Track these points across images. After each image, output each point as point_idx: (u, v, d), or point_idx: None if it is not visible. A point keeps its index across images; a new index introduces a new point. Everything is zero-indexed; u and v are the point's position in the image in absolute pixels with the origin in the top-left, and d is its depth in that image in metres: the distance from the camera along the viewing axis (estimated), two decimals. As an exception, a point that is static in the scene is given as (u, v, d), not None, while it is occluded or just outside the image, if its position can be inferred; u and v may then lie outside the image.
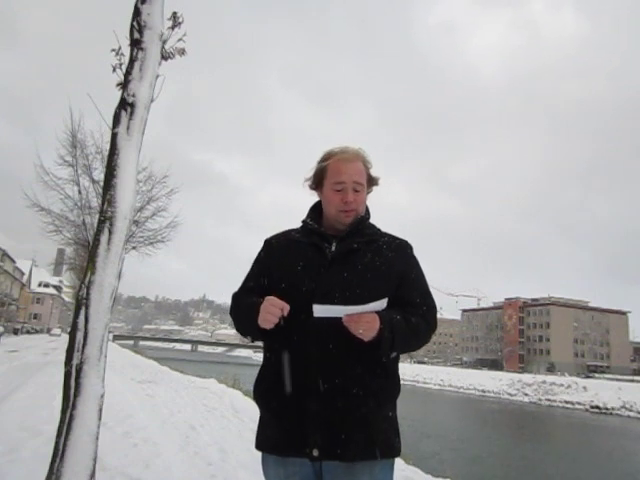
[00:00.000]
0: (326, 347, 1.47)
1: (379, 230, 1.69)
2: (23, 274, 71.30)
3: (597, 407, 41.87)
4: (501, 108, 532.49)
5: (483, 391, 53.02)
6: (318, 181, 1.68)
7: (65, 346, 2.37)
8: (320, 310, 1.41)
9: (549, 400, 46.57)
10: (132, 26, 2.53)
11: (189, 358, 61.59)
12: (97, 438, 2.19)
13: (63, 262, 25.33)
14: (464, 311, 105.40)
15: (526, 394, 49.62)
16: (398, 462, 3.60)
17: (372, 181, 1.69)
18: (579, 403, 43.86)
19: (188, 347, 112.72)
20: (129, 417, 6.13)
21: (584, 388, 46.91)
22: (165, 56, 2.69)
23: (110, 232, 2.34)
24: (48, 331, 67.61)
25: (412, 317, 1.51)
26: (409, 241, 1.70)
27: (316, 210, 1.71)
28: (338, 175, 1.61)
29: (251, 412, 7.46)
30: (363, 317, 1.40)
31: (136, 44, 2.53)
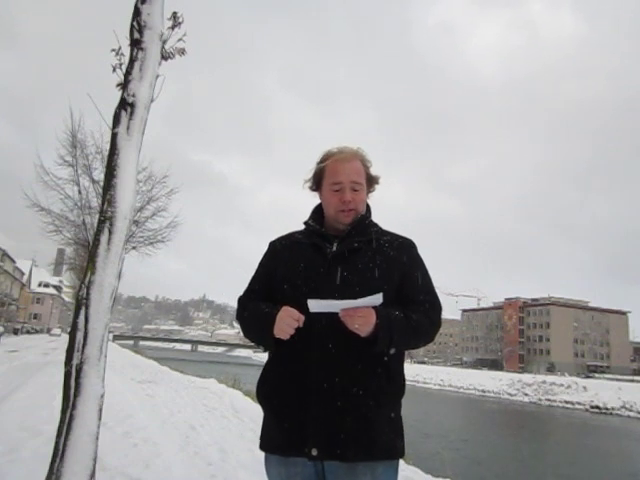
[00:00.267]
0: (326, 347, 1.47)
1: (381, 229, 1.68)
2: (23, 274, 71.26)
3: (597, 407, 41.84)
4: (501, 108, 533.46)
5: (483, 391, 52.99)
6: (317, 182, 1.68)
7: (65, 346, 2.37)
8: (315, 305, 1.41)
9: (549, 400, 46.54)
10: (132, 26, 2.53)
11: (189, 358, 61.57)
12: (97, 438, 2.19)
13: (63, 262, 25.37)
14: (464, 311, 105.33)
15: (526, 394, 49.58)
16: (398, 462, 3.59)
17: (372, 180, 1.68)
18: (579, 403, 43.83)
19: (188, 347, 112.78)
20: (129, 417, 6.12)
21: (584, 388, 46.87)
22: (165, 56, 2.69)
23: (110, 232, 2.34)
24: (48, 331, 67.59)
25: (413, 314, 1.50)
26: (412, 239, 1.69)
27: (318, 211, 1.71)
28: (335, 175, 1.61)
29: (251, 412, 7.46)
30: (358, 311, 1.40)
31: (136, 44, 2.52)
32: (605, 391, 44.54)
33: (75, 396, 2.18)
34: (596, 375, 66.97)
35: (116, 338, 79.51)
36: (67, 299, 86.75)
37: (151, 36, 2.53)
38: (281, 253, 1.66)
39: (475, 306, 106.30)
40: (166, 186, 14.97)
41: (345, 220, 1.62)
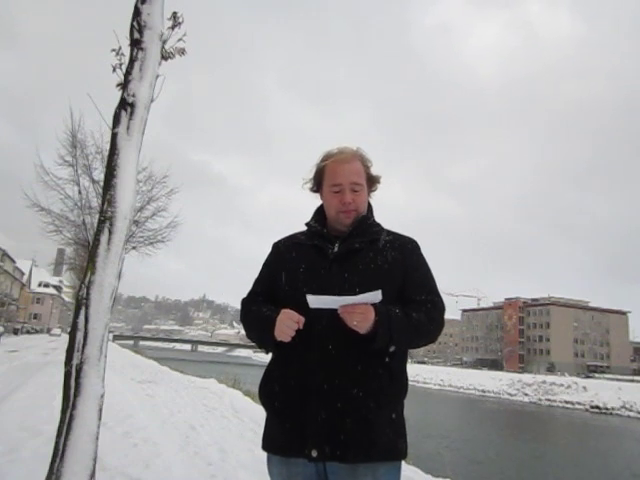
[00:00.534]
0: (326, 348, 1.46)
1: (383, 229, 1.67)
2: (23, 274, 71.25)
3: (597, 407, 41.86)
4: (501, 108, 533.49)
5: (483, 391, 53.00)
6: (318, 184, 1.68)
7: (65, 346, 2.37)
8: (314, 301, 1.41)
9: (549, 400, 46.55)
10: (132, 26, 2.53)
11: (189, 358, 61.59)
12: (97, 438, 2.19)
13: (63, 262, 25.37)
14: (464, 311, 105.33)
15: (526, 394, 49.60)
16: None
17: (373, 180, 1.67)
18: (579, 403, 43.85)
19: (188, 347, 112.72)
20: (129, 417, 6.13)
21: (584, 388, 46.89)
22: (165, 56, 2.69)
23: (110, 232, 2.34)
24: (48, 331, 67.59)
25: (414, 313, 1.49)
26: (415, 239, 1.68)
27: (320, 212, 1.71)
28: (335, 177, 1.61)
29: (251, 412, 7.46)
30: (357, 308, 1.39)
31: (136, 44, 2.52)
32: (605, 391, 44.56)
33: (75, 396, 2.18)
34: (596, 375, 66.99)
35: (116, 338, 79.50)
36: (67, 299, 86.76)
37: (151, 36, 2.53)
38: (283, 254, 1.66)
39: (475, 306, 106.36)
40: (166, 186, 15.01)
41: (346, 221, 1.61)
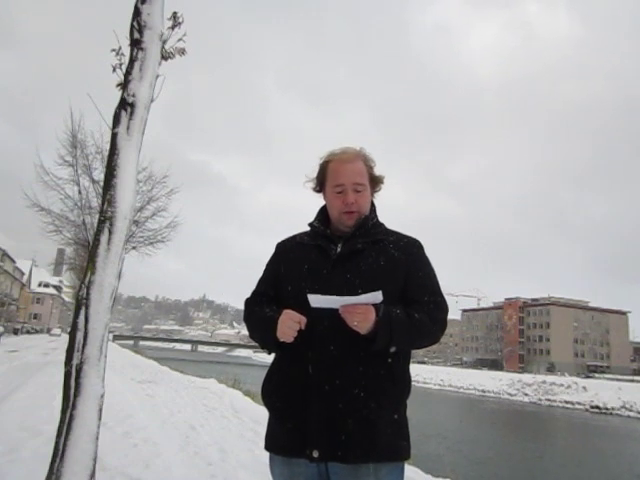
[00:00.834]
0: (327, 348, 1.46)
1: (386, 229, 1.67)
2: (23, 274, 71.26)
3: (597, 407, 41.83)
4: (500, 108, 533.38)
5: (483, 391, 52.98)
6: (320, 184, 1.68)
7: (65, 346, 2.37)
8: (315, 300, 1.41)
9: (549, 400, 46.54)
10: (132, 26, 2.53)
11: (189, 358, 61.58)
12: (97, 438, 2.19)
13: (63, 262, 25.36)
14: (464, 311, 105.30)
15: (526, 394, 49.58)
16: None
17: (376, 180, 1.67)
18: (579, 403, 43.83)
19: (188, 347, 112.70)
20: (129, 417, 6.13)
21: (584, 388, 46.87)
22: (165, 56, 2.69)
23: (110, 232, 2.34)
24: (48, 331, 67.58)
25: (416, 313, 1.48)
26: (418, 239, 1.67)
27: (323, 212, 1.70)
28: (337, 177, 1.61)
29: (251, 412, 7.46)
30: (357, 308, 1.39)
31: (136, 44, 2.52)
32: (605, 391, 44.54)
33: (75, 396, 2.18)
34: (596, 375, 66.95)
35: (116, 338, 79.48)
36: (67, 299, 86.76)
37: (151, 36, 2.53)
38: (286, 254, 1.67)
39: (475, 306, 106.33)
40: (166, 186, 15.01)
41: (348, 222, 1.61)
